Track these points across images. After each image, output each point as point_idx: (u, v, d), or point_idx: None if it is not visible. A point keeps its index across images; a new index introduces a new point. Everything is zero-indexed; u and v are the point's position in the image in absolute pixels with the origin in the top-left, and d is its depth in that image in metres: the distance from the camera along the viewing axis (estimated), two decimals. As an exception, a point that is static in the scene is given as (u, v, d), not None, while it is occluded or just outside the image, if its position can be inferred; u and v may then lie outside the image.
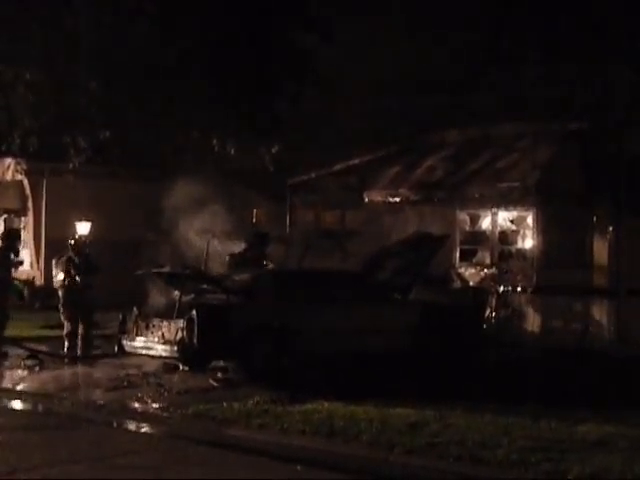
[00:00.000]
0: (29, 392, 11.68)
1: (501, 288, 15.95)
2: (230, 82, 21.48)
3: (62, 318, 14.30)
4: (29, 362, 13.35)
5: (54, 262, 14.75)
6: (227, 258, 14.81)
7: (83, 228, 18.04)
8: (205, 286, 12.67)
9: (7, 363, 13.43)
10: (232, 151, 21.67)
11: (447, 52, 22.96)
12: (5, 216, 23.25)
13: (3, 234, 14.71)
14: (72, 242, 14.79)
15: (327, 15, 22.74)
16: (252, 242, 15.23)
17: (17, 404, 11.10)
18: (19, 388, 11.93)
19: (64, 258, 14.46)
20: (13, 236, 14.57)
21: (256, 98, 21.93)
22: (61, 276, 14.32)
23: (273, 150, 22.13)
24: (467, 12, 23.29)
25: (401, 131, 20.78)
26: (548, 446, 7.95)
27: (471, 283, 16.47)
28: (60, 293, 14.31)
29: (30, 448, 8.60)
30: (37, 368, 13.17)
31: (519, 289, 15.93)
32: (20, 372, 12.92)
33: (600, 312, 15.39)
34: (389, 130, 21.37)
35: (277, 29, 21.93)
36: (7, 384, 12.10)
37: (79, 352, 13.93)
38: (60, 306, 14.28)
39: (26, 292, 20.95)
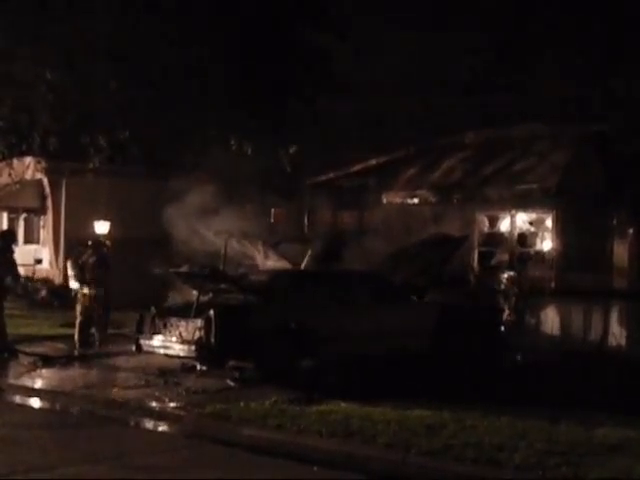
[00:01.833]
0: (46, 390, 11.74)
1: (519, 290, 15.87)
2: (247, 82, 21.54)
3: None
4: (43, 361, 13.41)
5: (70, 263, 15.01)
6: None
7: (102, 227, 18.12)
8: (223, 286, 12.68)
9: (25, 362, 13.49)
10: (249, 151, 21.72)
11: (463, 53, 22.92)
12: (25, 215, 23.39)
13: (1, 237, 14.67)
14: (90, 243, 15.02)
15: (343, 15, 22.75)
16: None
17: (35, 402, 11.16)
18: (37, 386, 11.98)
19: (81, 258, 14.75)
20: (9, 236, 14.51)
21: (273, 98, 21.98)
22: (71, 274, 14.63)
23: (291, 150, 22.15)
24: (484, 12, 23.24)
25: (418, 132, 20.75)
26: (566, 450, 7.90)
27: (489, 285, 16.40)
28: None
29: (47, 446, 8.64)
30: (55, 366, 13.23)
31: (538, 291, 15.84)
32: (37, 370, 12.98)
33: (620, 315, 15.28)
34: (406, 131, 21.36)
35: (293, 29, 21.97)
36: (25, 382, 12.15)
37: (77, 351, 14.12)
38: None
39: (44, 292, 21.04)
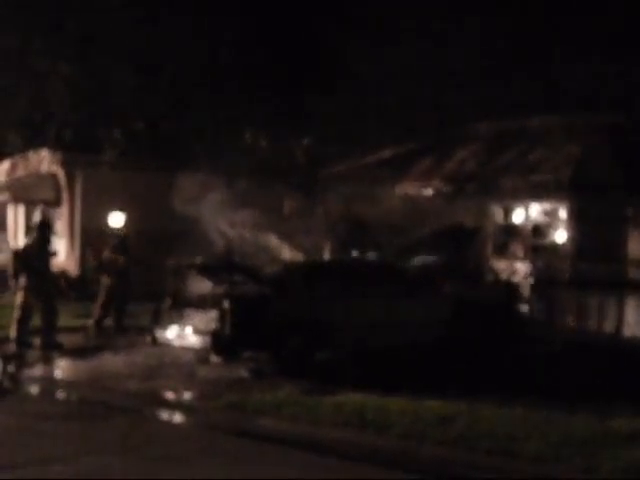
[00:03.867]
0: (62, 381, 11.84)
1: (534, 281, 15.85)
2: (262, 75, 21.55)
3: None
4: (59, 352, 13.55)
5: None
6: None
7: (117, 219, 18.20)
8: (238, 277, 12.73)
9: (37, 352, 13.60)
10: (264, 143, 21.75)
11: (479, 44, 22.83)
12: (41, 207, 23.51)
13: (36, 225, 14.72)
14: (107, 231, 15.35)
15: (358, 8, 22.70)
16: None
17: (51, 393, 11.24)
18: (53, 377, 12.09)
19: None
20: (46, 226, 14.51)
21: (288, 91, 21.99)
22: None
23: (304, 142, 22.16)
24: (499, 5, 23.14)
25: (432, 123, 20.70)
26: (580, 441, 7.90)
27: (504, 276, 16.38)
28: None
29: (63, 437, 8.71)
30: (71, 357, 13.34)
31: (552, 282, 15.80)
32: (53, 361, 13.09)
33: (634, 306, 15.22)
34: (420, 123, 21.31)
35: (308, 22, 21.97)
36: (41, 373, 12.25)
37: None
38: None
39: (61, 284, 21.14)
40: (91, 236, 16.97)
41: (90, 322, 15.38)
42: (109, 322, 15.53)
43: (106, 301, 15.20)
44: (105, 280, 15.29)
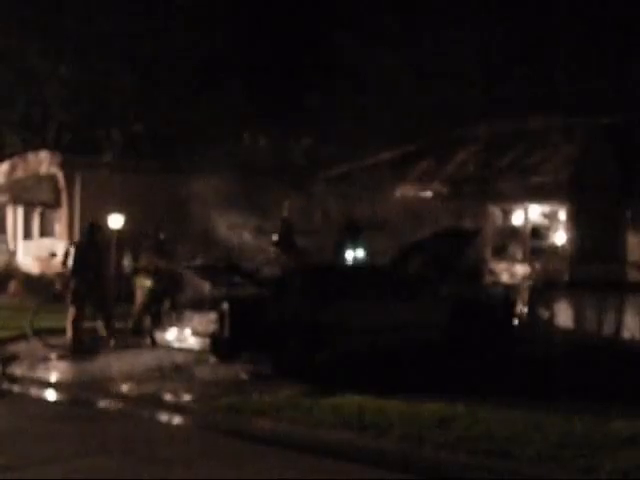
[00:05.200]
0: (61, 382, 11.83)
1: (533, 283, 15.85)
2: (261, 76, 21.57)
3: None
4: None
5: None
6: None
7: (116, 221, 18.16)
8: (237, 279, 12.73)
9: (36, 353, 13.58)
10: (263, 144, 21.77)
11: (478, 45, 22.85)
12: (40, 209, 23.51)
13: (89, 229, 14.62)
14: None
15: (358, 11, 22.73)
16: None
17: (50, 395, 11.25)
18: (52, 378, 12.07)
19: None
20: (98, 230, 14.45)
21: (287, 92, 22.01)
22: None
23: (304, 143, 22.18)
24: (499, 4, 23.17)
25: (432, 126, 20.71)
26: (580, 442, 7.89)
27: (503, 278, 16.39)
28: None
29: (62, 438, 8.71)
30: (70, 359, 13.34)
31: (551, 284, 15.81)
32: (52, 362, 13.08)
33: (634, 307, 15.22)
34: (420, 125, 21.33)
35: (308, 24, 22.00)
36: (40, 374, 12.24)
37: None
38: None
39: (59, 285, 21.08)
40: (128, 240, 16.87)
41: (129, 324, 15.27)
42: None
43: (146, 304, 15.05)
44: (143, 282, 15.07)
